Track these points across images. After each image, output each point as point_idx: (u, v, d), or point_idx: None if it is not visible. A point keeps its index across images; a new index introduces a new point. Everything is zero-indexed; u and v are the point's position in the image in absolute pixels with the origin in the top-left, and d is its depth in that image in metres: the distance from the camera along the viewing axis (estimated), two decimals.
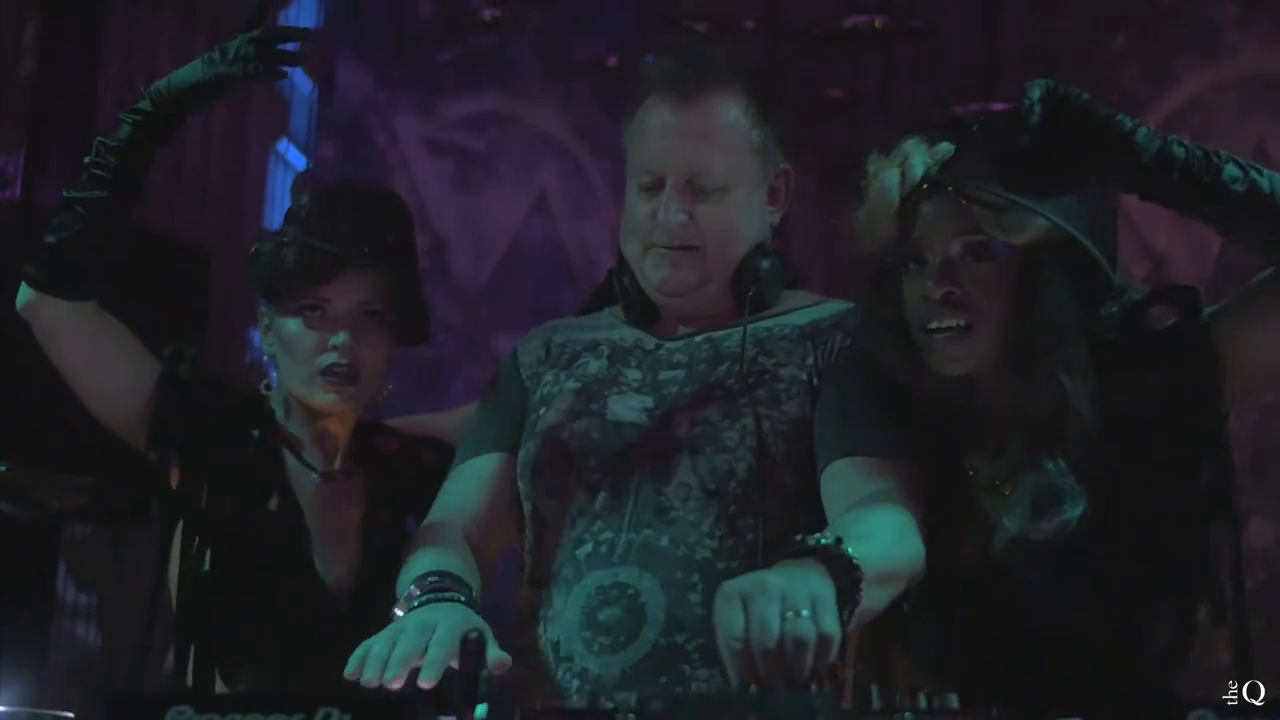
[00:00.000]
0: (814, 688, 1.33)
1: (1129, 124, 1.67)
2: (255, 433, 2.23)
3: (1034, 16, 4.32)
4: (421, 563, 1.90)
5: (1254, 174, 1.71)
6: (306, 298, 2.20)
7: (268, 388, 2.30)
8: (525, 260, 4.24)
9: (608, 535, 1.96)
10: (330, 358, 2.19)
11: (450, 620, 1.72)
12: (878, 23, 4.23)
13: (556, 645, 1.93)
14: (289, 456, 2.27)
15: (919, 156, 1.91)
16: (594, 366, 2.08)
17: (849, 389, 1.96)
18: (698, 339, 2.07)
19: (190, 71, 2.10)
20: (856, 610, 1.60)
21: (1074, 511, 1.84)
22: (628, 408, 2.03)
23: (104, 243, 2.11)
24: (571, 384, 2.08)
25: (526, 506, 2.07)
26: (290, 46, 2.10)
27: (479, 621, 1.75)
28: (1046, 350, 1.87)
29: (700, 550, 1.92)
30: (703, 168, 1.99)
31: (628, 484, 1.98)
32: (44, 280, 2.11)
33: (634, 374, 2.07)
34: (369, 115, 4.27)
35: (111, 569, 2.55)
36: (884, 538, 1.75)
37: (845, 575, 1.58)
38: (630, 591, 1.92)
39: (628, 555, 1.94)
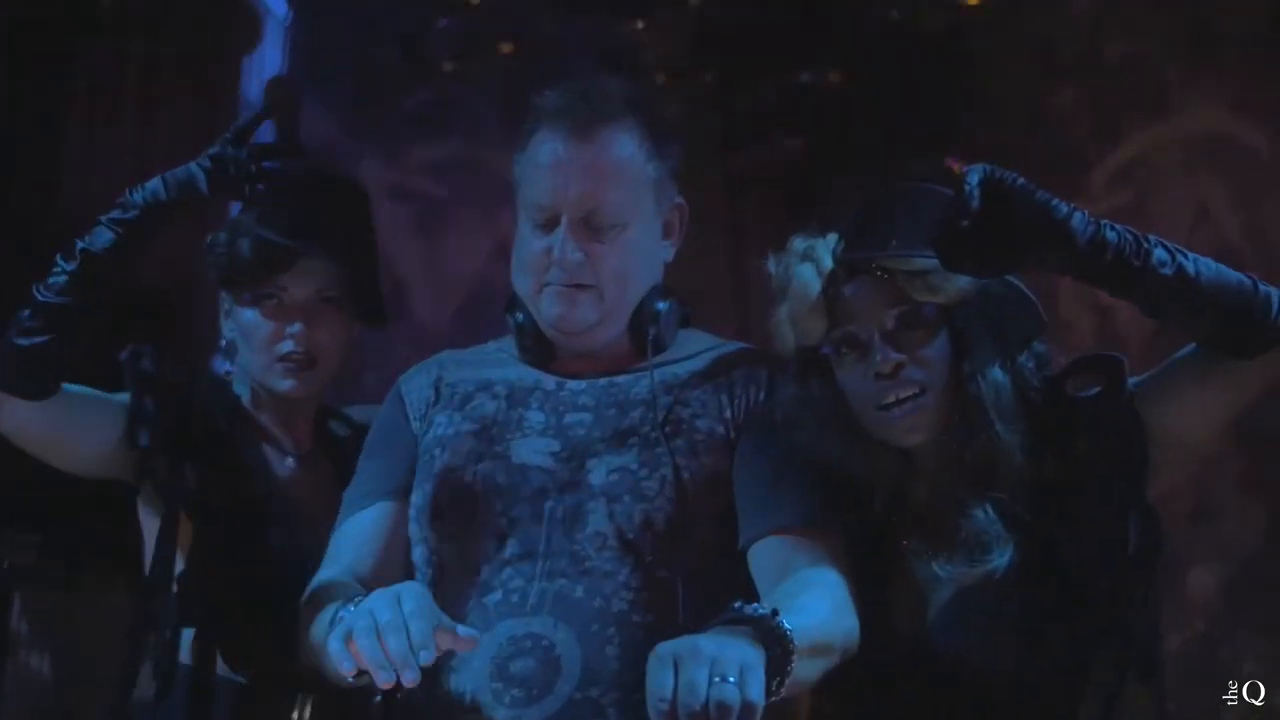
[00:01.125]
0: None
1: (1064, 209, 1.75)
2: (224, 418, 2.28)
3: (985, 70, 4.41)
4: (330, 608, 1.88)
5: (1180, 258, 1.79)
6: (263, 287, 2.26)
7: (228, 374, 2.34)
8: (486, 305, 4.28)
9: (519, 583, 1.92)
10: (287, 345, 2.25)
11: (412, 587, 1.74)
12: (834, 77, 4.33)
13: (462, 695, 1.88)
14: (262, 443, 2.31)
15: (822, 246, 1.98)
16: (490, 407, 2.04)
17: (773, 456, 1.99)
18: (601, 382, 2.05)
19: (181, 186, 2.03)
20: (787, 681, 1.64)
21: (1001, 560, 1.90)
22: (533, 450, 1.99)
23: (76, 346, 2.09)
24: (468, 425, 2.03)
25: (419, 551, 2.02)
26: (277, 164, 2.02)
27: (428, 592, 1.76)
28: (981, 399, 1.94)
29: (616, 602, 1.90)
30: (598, 205, 1.98)
31: (537, 531, 1.94)
32: (10, 383, 2.09)
33: (536, 416, 2.03)
34: (332, 160, 4.32)
35: (64, 606, 2.57)
36: (819, 612, 1.78)
37: (778, 645, 1.63)
38: (545, 643, 1.88)
39: (541, 605, 1.90)
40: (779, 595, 1.81)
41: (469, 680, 1.90)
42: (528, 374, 2.09)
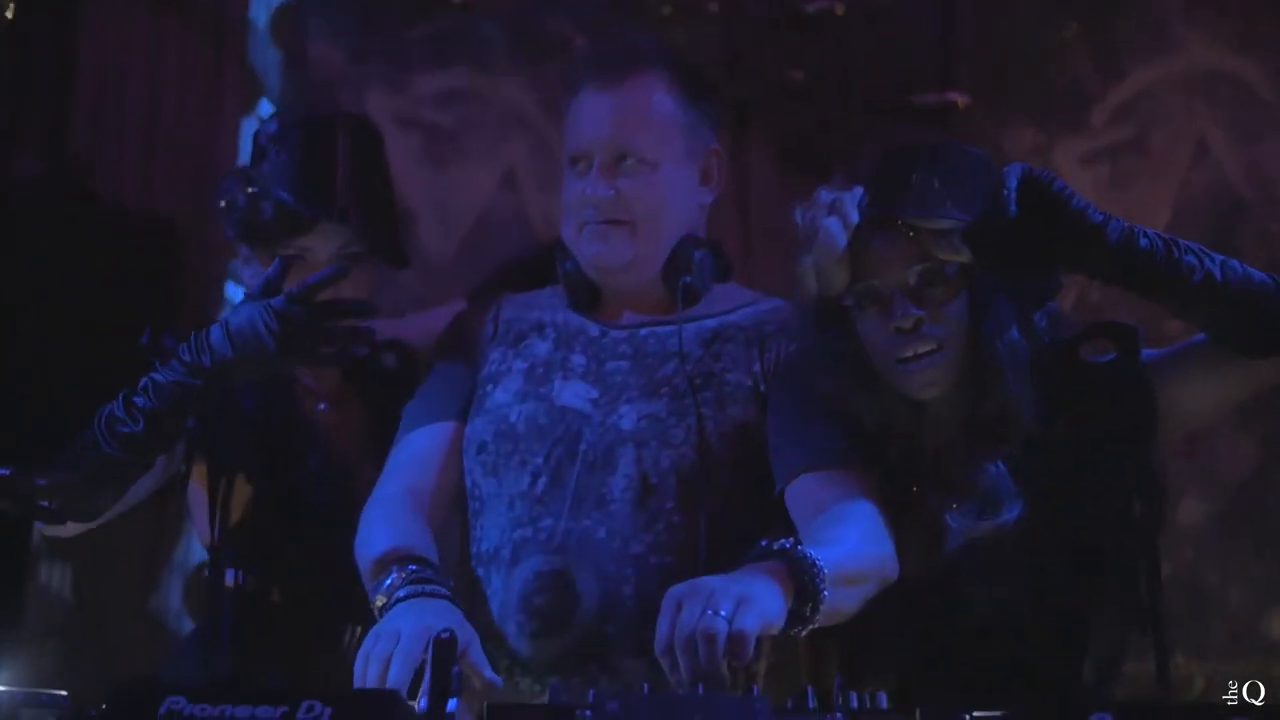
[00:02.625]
0: (755, 690, 1.44)
1: (1099, 216, 1.81)
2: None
3: (989, 5, 4.42)
4: (384, 540, 1.95)
5: (1209, 263, 1.86)
6: (286, 247, 2.26)
7: None
8: (492, 235, 4.31)
9: (547, 522, 2.04)
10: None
11: (445, 624, 1.76)
12: (839, 9, 4.33)
13: (490, 622, 2.04)
14: (295, 392, 2.33)
15: (849, 200, 2.02)
16: (541, 348, 2.15)
17: (805, 402, 2.07)
18: (642, 332, 2.13)
19: (249, 348, 1.95)
20: (822, 608, 1.72)
21: (1011, 514, 1.97)
22: (574, 394, 2.10)
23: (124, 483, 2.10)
24: (520, 364, 2.15)
25: (468, 481, 2.15)
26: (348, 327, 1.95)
27: (469, 627, 1.84)
28: (998, 358, 1.99)
29: (635, 544, 2.01)
30: (627, 144, 2.09)
31: (569, 472, 2.05)
32: (71, 516, 2.12)
33: (579, 360, 2.14)
34: (339, 90, 4.31)
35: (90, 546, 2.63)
36: (849, 541, 1.86)
37: (805, 574, 1.70)
38: (566, 580, 2.00)
39: (566, 543, 2.02)
40: (813, 530, 1.88)
41: (498, 610, 2.04)
42: (574, 319, 2.19)
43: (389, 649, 1.73)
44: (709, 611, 1.58)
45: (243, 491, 2.20)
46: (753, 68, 4.41)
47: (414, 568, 1.90)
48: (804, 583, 1.69)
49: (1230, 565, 3.92)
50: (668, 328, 2.16)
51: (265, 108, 4.23)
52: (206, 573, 2.21)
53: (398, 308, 4.26)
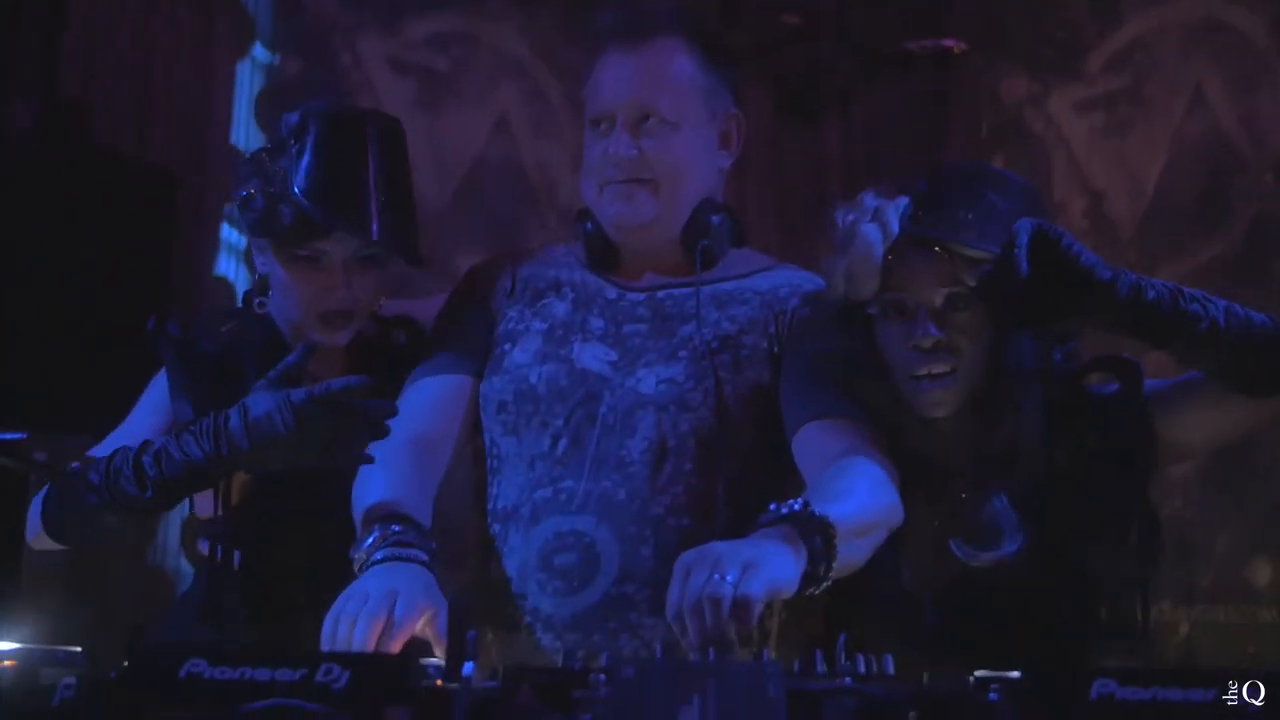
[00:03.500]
0: (766, 654, 1.46)
1: (1108, 272, 1.83)
2: (266, 358, 2.18)
3: None
4: (377, 492, 1.96)
5: (1213, 311, 1.89)
6: (303, 248, 2.22)
7: (262, 305, 2.31)
8: (486, 181, 4.30)
9: (568, 483, 2.05)
10: (327, 304, 2.23)
11: (412, 588, 1.80)
12: None
13: (509, 580, 2.04)
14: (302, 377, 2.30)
15: (892, 210, 2.04)
16: (559, 309, 2.16)
17: (817, 356, 2.09)
18: (659, 294, 2.16)
19: (265, 438, 1.95)
20: (835, 564, 1.74)
21: (1012, 546, 1.99)
22: (593, 356, 2.11)
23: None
24: (539, 324, 2.15)
25: (485, 438, 2.15)
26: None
27: (437, 594, 1.82)
28: (1010, 392, 2.04)
29: (654, 506, 2.03)
30: (649, 103, 2.10)
31: (589, 434, 2.07)
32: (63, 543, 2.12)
33: (597, 322, 2.15)
34: (333, 34, 4.29)
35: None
36: (859, 493, 1.87)
37: (818, 534, 1.72)
38: (587, 540, 2.02)
39: (586, 504, 2.04)
40: (821, 482, 1.90)
41: (516, 568, 2.05)
42: (592, 280, 2.20)
43: (356, 610, 1.74)
44: (715, 576, 1.60)
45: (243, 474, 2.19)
46: (747, 9, 4.39)
47: (396, 528, 1.89)
48: (815, 544, 1.71)
49: (1216, 515, 3.97)
50: (684, 290, 2.16)
51: (259, 51, 4.21)
52: (203, 549, 2.21)
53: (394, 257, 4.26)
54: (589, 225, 2.19)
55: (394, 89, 4.32)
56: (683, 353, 2.10)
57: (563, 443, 2.07)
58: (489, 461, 2.15)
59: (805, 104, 4.48)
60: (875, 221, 2.05)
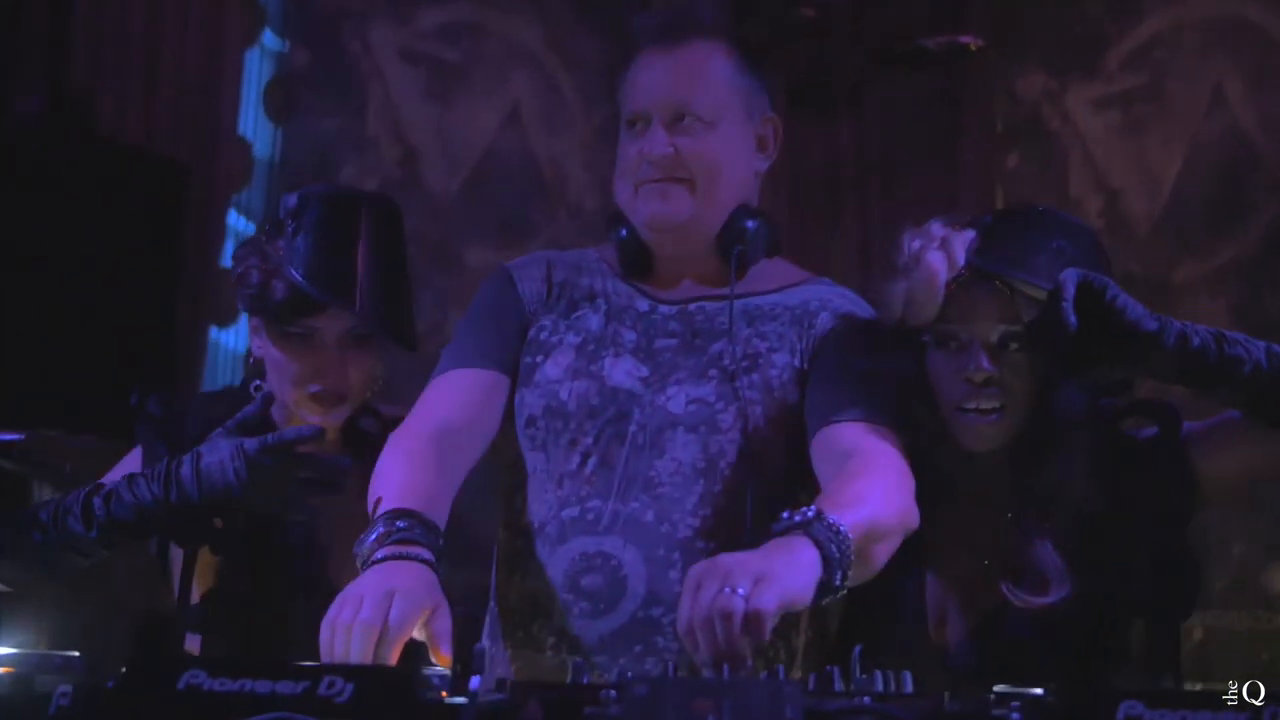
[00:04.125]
0: (781, 672, 1.42)
1: (1154, 323, 1.86)
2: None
3: None
4: (392, 482, 1.89)
5: (1255, 352, 1.89)
6: (295, 326, 2.21)
7: (257, 389, 2.28)
8: (496, 172, 4.26)
9: (595, 503, 2.01)
10: (317, 386, 2.22)
11: (410, 588, 1.71)
12: None
13: (535, 599, 2.00)
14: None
15: (958, 242, 2.05)
16: (593, 322, 2.12)
17: (836, 364, 2.06)
18: (690, 307, 2.12)
19: (215, 491, 1.95)
20: (850, 572, 1.69)
21: (1060, 594, 1.99)
22: (625, 373, 2.07)
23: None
24: (572, 337, 2.11)
25: (509, 450, 2.10)
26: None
27: (438, 592, 1.73)
28: (1059, 435, 2.04)
29: (682, 528, 1.99)
30: (686, 102, 2.06)
31: (618, 453, 2.03)
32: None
33: (629, 335, 2.11)
34: (343, 23, 4.25)
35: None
36: (873, 498, 1.82)
37: (832, 543, 1.68)
38: (614, 562, 1.98)
39: (614, 526, 2.00)
40: (833, 488, 1.86)
41: (542, 587, 2.00)
42: (625, 290, 2.16)
43: (350, 618, 1.67)
44: (725, 590, 1.55)
45: (212, 558, 2.17)
46: (763, 2, 4.34)
47: (401, 524, 1.81)
48: (829, 553, 1.67)
49: (1232, 521, 3.93)
50: (716, 304, 2.12)
51: (269, 39, 4.17)
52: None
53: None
54: (623, 231, 2.14)
55: (404, 79, 4.28)
56: (713, 371, 2.06)
57: (592, 461, 2.04)
58: (513, 474, 2.11)
59: (818, 99, 4.43)
60: (942, 250, 2.06)
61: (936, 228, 2.10)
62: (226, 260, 3.87)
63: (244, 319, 3.93)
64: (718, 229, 2.09)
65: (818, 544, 1.66)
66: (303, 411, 2.25)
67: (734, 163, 2.09)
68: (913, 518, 1.90)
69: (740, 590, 1.56)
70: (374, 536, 1.82)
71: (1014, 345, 2.04)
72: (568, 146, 4.28)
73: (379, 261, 2.21)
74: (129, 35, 3.59)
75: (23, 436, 2.04)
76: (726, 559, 1.61)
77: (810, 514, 1.70)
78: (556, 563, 2.00)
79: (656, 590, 1.96)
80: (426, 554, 1.80)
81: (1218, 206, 4.11)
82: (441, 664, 1.67)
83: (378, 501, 1.89)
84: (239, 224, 4.03)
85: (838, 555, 1.67)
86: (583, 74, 4.21)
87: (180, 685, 1.36)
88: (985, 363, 2.03)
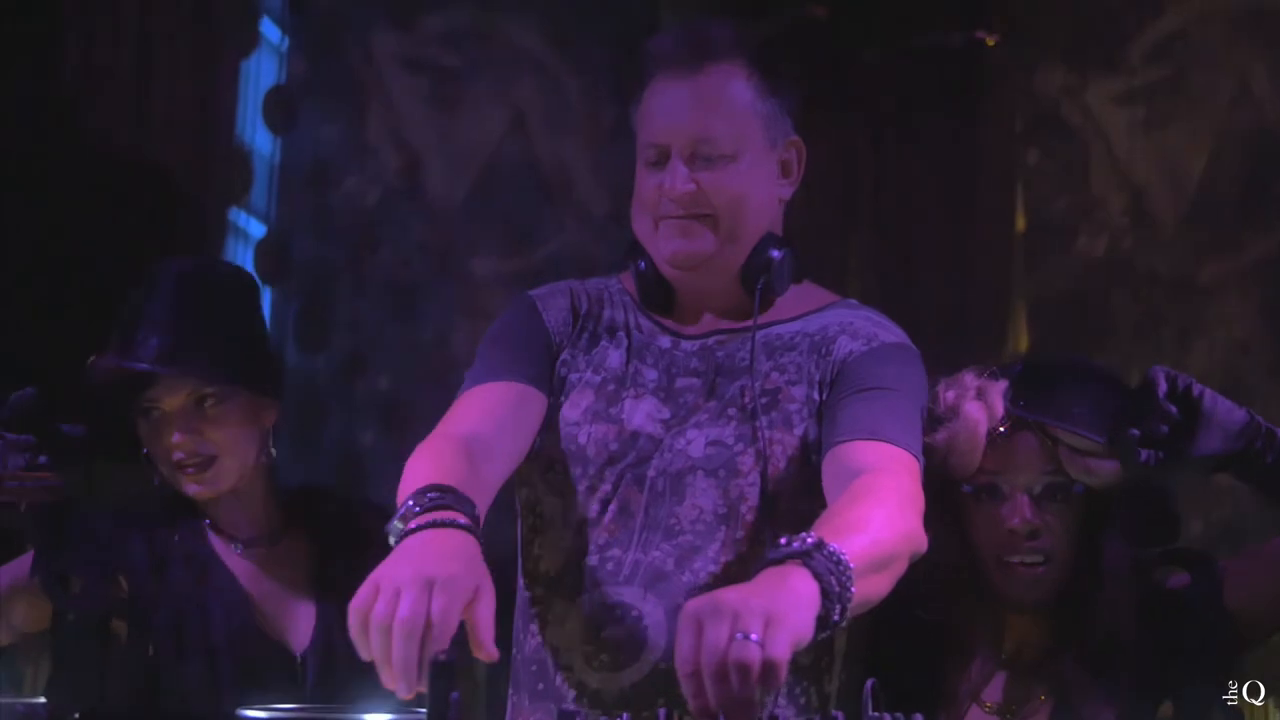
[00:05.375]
0: (839, 716, 1.34)
1: (1242, 416, 1.92)
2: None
3: None
4: (418, 477, 1.76)
5: None
6: (139, 404, 2.26)
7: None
8: (501, 179, 4.18)
9: (615, 552, 1.96)
10: (177, 455, 2.25)
11: (451, 570, 1.58)
12: None
13: (556, 650, 1.96)
14: (211, 535, 2.33)
15: (994, 391, 2.07)
16: (614, 359, 2.06)
17: (854, 377, 2.00)
18: (711, 342, 2.06)
19: None
20: (850, 605, 1.59)
21: None
22: (645, 416, 2.01)
23: None
24: (592, 376, 2.05)
25: (525, 493, 2.04)
26: None
27: (481, 568, 1.62)
28: (1106, 586, 2.07)
29: (704, 576, 1.93)
30: (706, 135, 1.99)
31: (638, 500, 1.98)
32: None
33: (651, 374, 2.05)
34: (343, 30, 4.18)
35: None
36: (874, 522, 1.72)
37: (832, 575, 1.58)
38: (634, 613, 1.93)
39: (634, 576, 1.95)
40: (834, 510, 1.78)
41: (562, 638, 1.97)
42: (646, 325, 2.11)
43: (387, 613, 1.53)
44: (738, 635, 1.45)
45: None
46: (773, 2, 4.25)
47: (433, 495, 1.68)
48: (829, 586, 1.57)
49: (1267, 523, 3.81)
50: (739, 337, 2.06)
51: (267, 49, 4.10)
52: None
53: (408, 258, 4.17)
54: (642, 264, 2.09)
55: (406, 86, 4.20)
56: (732, 410, 2.01)
57: (611, 508, 1.99)
58: (529, 519, 2.06)
59: (832, 97, 4.33)
60: (979, 400, 2.07)
61: (969, 378, 2.11)
62: None
63: None
64: (741, 262, 2.04)
65: (817, 576, 1.56)
66: (180, 486, 2.28)
67: (757, 194, 2.03)
68: (920, 542, 1.82)
69: (754, 635, 1.46)
70: (402, 512, 1.68)
71: (1056, 497, 2.06)
72: (574, 151, 4.18)
73: (216, 322, 2.25)
74: (122, 47, 3.51)
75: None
76: (728, 596, 1.51)
77: (810, 542, 1.60)
78: (576, 614, 1.96)
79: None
80: (462, 519, 1.67)
81: (1245, 202, 3.99)
82: (482, 657, 1.57)
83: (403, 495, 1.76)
84: (249, 225, 3.99)
85: (837, 589, 1.57)
86: (588, 77, 4.13)
87: None
88: (1029, 513, 2.04)
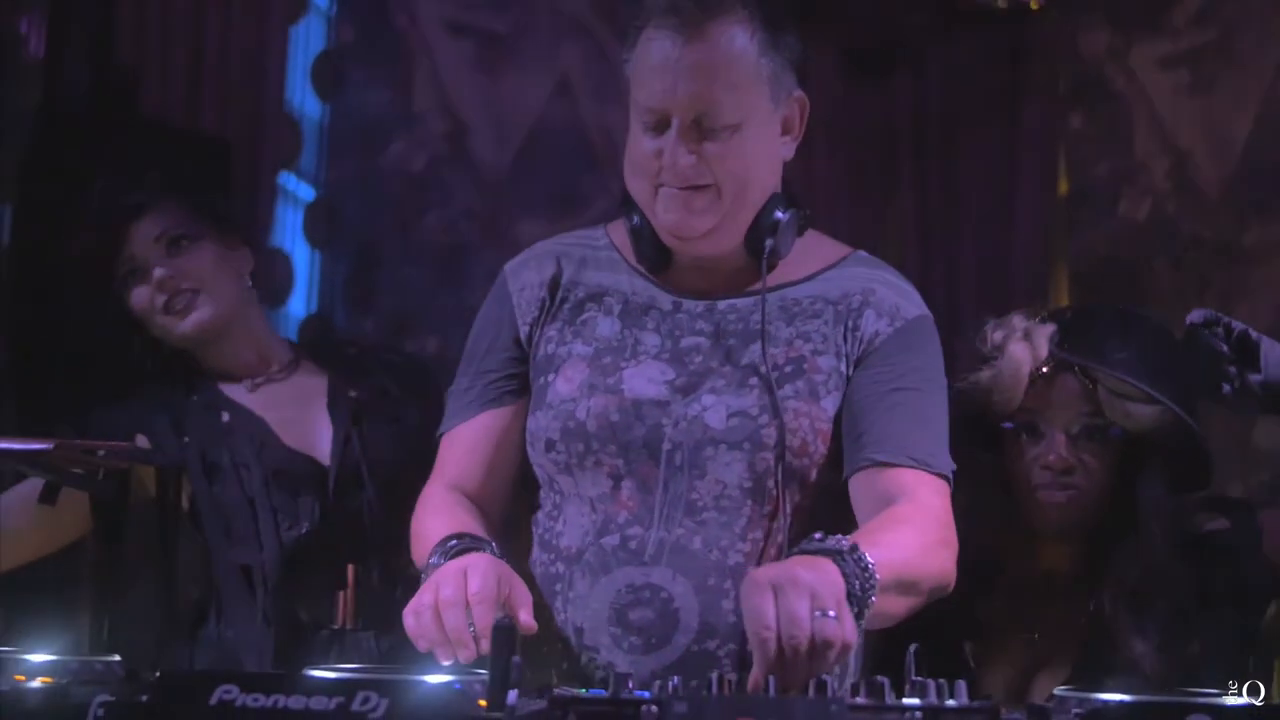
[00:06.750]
0: (830, 692, 1.37)
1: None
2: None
3: None
4: (436, 535, 1.87)
5: None
6: (121, 273, 2.43)
7: None
8: (547, 144, 4.21)
9: (636, 530, 1.90)
10: (161, 297, 2.40)
11: (478, 561, 1.74)
12: None
13: (580, 631, 1.90)
14: (220, 385, 2.50)
15: (1040, 334, 2.14)
16: (605, 328, 1.98)
17: (886, 391, 1.93)
18: (721, 305, 1.98)
19: None
20: (867, 614, 1.62)
21: (1161, 684, 2.05)
22: (647, 379, 1.93)
23: None
24: (582, 347, 1.97)
25: (539, 473, 2.00)
26: None
27: (508, 568, 1.76)
28: (1141, 524, 2.12)
29: (733, 554, 1.88)
30: (710, 106, 1.87)
31: (654, 474, 1.90)
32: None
33: (651, 339, 1.97)
34: None
35: None
36: (906, 548, 1.74)
37: (857, 579, 1.62)
38: (663, 595, 1.87)
39: (660, 556, 1.88)
40: (873, 525, 1.79)
41: (587, 619, 1.90)
42: (642, 287, 2.01)
43: (433, 600, 1.69)
44: (818, 612, 1.49)
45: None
46: None
47: (453, 543, 1.81)
48: (853, 587, 1.59)
49: None
50: (747, 300, 1.97)
51: (315, 15, 4.13)
52: None
53: (454, 223, 4.21)
54: (636, 220, 1.97)
55: (452, 51, 4.23)
56: (753, 380, 1.91)
57: (626, 485, 1.91)
58: (550, 496, 2.00)
59: (877, 62, 4.33)
60: (1025, 341, 2.14)
61: (1018, 320, 2.18)
62: (275, 239, 3.87)
63: (293, 301, 3.97)
64: (746, 228, 1.96)
65: (845, 576, 1.59)
66: (171, 332, 2.44)
67: (761, 161, 1.94)
68: (949, 579, 1.82)
69: (832, 613, 1.51)
70: (430, 566, 1.81)
71: (1093, 437, 2.13)
72: (619, 116, 4.15)
73: (163, 173, 2.48)
74: (173, 14, 3.55)
75: (52, 445, 2.05)
76: (799, 572, 1.54)
77: (845, 545, 1.64)
78: (601, 594, 1.90)
79: (711, 622, 1.86)
80: (486, 549, 1.81)
81: None
82: (526, 630, 1.70)
83: (423, 555, 1.88)
84: (299, 189, 4.04)
85: (859, 593, 1.61)
86: None
87: (212, 701, 1.34)
88: (1065, 451, 2.12)
